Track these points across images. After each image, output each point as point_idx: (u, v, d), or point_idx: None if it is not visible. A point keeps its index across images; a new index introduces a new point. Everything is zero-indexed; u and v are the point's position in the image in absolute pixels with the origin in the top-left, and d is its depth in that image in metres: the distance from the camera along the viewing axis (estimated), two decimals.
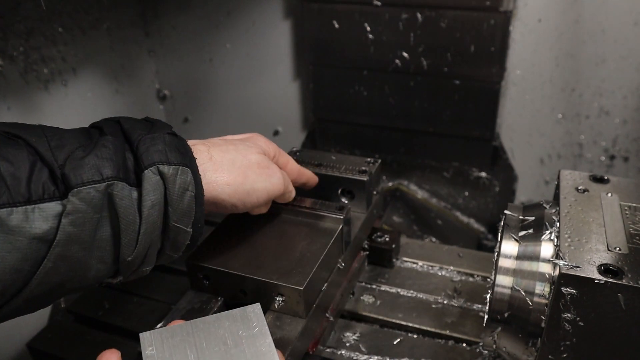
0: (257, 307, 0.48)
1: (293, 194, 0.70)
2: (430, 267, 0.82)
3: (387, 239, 0.81)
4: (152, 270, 0.82)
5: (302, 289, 0.59)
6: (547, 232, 0.54)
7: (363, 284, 0.79)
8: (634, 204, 0.55)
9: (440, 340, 0.70)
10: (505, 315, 0.54)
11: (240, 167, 0.58)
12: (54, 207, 0.42)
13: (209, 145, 0.57)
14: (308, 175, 0.73)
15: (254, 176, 0.59)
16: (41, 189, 0.42)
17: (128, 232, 0.47)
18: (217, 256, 0.65)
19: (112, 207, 0.45)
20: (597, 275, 0.45)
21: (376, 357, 0.67)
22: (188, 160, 0.51)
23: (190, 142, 0.55)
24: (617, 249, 0.49)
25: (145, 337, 0.45)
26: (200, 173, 0.52)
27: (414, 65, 0.98)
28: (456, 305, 0.75)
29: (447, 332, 0.70)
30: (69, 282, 0.46)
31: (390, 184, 1.13)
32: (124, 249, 0.47)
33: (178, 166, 0.49)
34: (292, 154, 0.81)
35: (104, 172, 0.45)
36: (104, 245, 0.46)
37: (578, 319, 0.47)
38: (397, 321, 0.72)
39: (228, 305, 0.65)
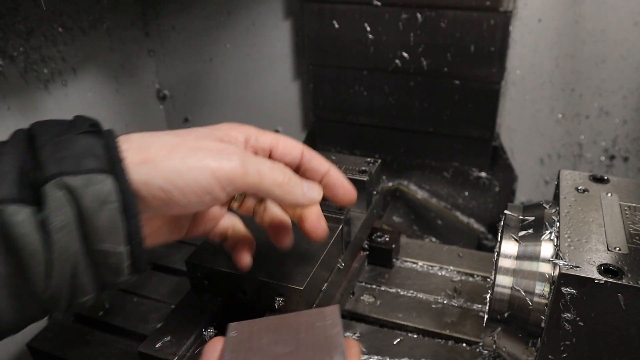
0: (336, 307, 0.49)
1: (310, 194, 0.51)
2: (430, 267, 0.82)
3: (387, 239, 0.81)
4: (152, 270, 0.82)
5: (302, 289, 0.59)
6: (547, 232, 0.54)
7: (363, 284, 0.79)
8: (634, 204, 0.55)
9: (440, 340, 0.70)
10: (505, 315, 0.54)
11: (171, 145, 0.44)
12: None
13: (145, 134, 0.45)
14: (325, 171, 0.54)
15: (185, 151, 0.44)
16: None
17: (32, 264, 0.37)
18: (217, 256, 0.65)
19: (6, 238, 0.37)
20: (597, 275, 0.45)
21: (376, 357, 0.67)
22: (107, 164, 0.40)
23: (124, 136, 0.43)
24: (617, 249, 0.49)
25: (232, 325, 0.49)
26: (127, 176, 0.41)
27: (414, 65, 0.98)
28: (456, 305, 0.75)
29: (447, 332, 0.70)
30: None
31: (390, 184, 1.13)
32: (34, 284, 0.38)
33: (89, 174, 0.39)
34: None
35: None
36: (8, 281, 0.38)
37: (578, 319, 0.47)
38: (397, 321, 0.72)
39: (228, 305, 0.65)
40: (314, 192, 0.52)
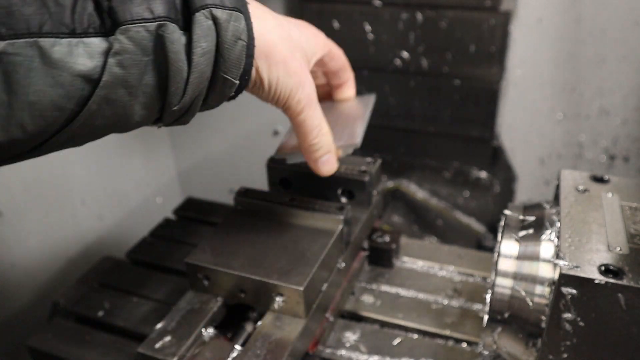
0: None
1: (323, 165, 0.61)
2: (430, 267, 0.82)
3: (387, 239, 0.81)
4: (151, 270, 0.82)
5: (302, 289, 0.59)
6: (548, 232, 0.54)
7: (363, 284, 0.79)
8: (635, 204, 0.55)
9: (440, 341, 0.70)
10: (506, 315, 0.54)
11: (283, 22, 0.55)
12: (99, 43, 0.39)
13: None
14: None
15: (296, 30, 0.56)
16: (86, 21, 0.38)
17: (176, 80, 0.43)
18: (217, 256, 0.65)
19: (162, 51, 0.41)
20: (597, 276, 0.45)
21: (376, 357, 0.67)
22: (242, 5, 0.46)
23: None
24: (618, 249, 0.49)
25: None
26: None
27: (414, 65, 0.98)
28: (456, 305, 0.75)
29: (447, 333, 0.70)
30: (113, 126, 0.43)
31: (390, 184, 1.13)
32: (170, 98, 0.44)
33: (232, 10, 0.44)
34: None
35: (155, 10, 0.40)
36: (150, 91, 0.43)
37: (578, 319, 0.47)
38: (397, 321, 0.72)
39: (228, 306, 0.65)
40: (326, 167, 0.61)
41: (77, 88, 0.39)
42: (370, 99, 0.69)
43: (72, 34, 0.38)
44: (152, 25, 0.40)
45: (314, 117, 0.56)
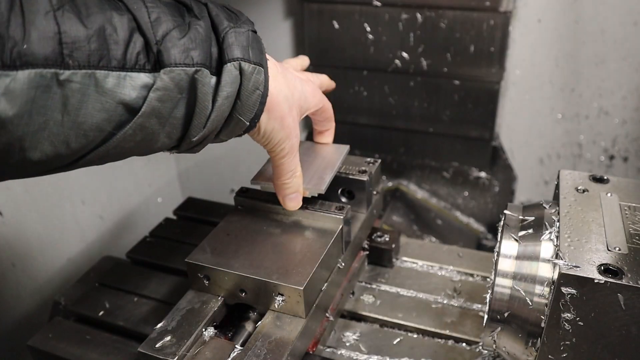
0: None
1: (290, 201, 0.69)
2: (430, 267, 0.82)
3: (387, 239, 0.81)
4: (152, 270, 0.82)
5: (302, 288, 0.59)
6: (547, 232, 0.54)
7: (363, 283, 0.79)
8: (634, 204, 0.55)
9: (440, 340, 0.70)
10: (505, 315, 0.54)
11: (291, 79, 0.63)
12: (142, 78, 0.45)
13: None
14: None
15: (300, 86, 0.64)
16: (134, 59, 0.44)
17: (200, 116, 0.50)
18: (217, 256, 0.65)
19: (193, 91, 0.48)
20: (596, 275, 0.45)
21: (376, 357, 0.67)
22: (264, 61, 0.54)
23: None
24: (617, 248, 0.49)
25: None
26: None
27: (414, 65, 0.98)
28: (456, 305, 0.75)
29: (447, 332, 0.70)
30: (137, 149, 0.49)
31: (390, 184, 1.13)
32: (192, 130, 0.51)
33: (256, 65, 0.52)
34: None
35: (195, 57, 0.48)
36: (176, 123, 0.49)
37: (578, 318, 0.47)
38: (397, 321, 0.72)
39: (228, 306, 0.65)
40: (291, 203, 0.67)
41: (118, 114, 0.45)
42: (345, 149, 0.77)
43: (122, 68, 0.44)
44: (191, 70, 0.47)
45: (292, 163, 0.65)
